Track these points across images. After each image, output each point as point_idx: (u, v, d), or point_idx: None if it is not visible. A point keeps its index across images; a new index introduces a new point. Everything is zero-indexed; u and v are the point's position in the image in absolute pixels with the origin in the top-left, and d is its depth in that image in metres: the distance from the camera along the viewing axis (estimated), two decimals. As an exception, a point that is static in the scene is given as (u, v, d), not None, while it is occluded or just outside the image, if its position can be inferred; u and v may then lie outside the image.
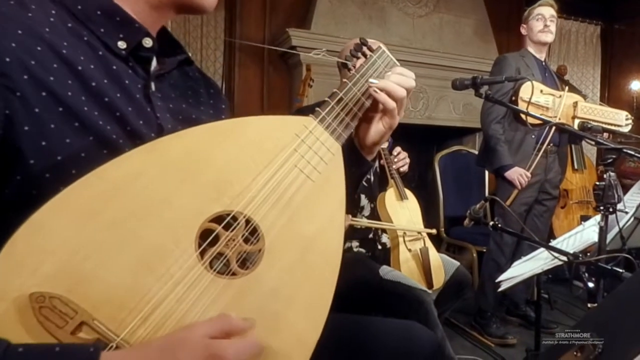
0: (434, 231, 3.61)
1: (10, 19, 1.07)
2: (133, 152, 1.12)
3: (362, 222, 3.56)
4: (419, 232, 3.67)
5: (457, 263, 3.74)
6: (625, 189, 3.23)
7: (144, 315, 1.01)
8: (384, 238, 3.69)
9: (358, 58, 1.64)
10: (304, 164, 1.33)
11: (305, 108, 3.99)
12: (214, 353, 0.95)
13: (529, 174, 4.67)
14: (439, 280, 3.56)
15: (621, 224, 2.76)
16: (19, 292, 0.93)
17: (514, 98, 4.55)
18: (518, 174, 4.64)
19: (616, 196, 2.69)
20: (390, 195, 3.72)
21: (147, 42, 1.30)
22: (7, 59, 1.02)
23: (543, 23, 4.83)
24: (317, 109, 1.44)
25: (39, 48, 1.08)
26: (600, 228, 2.70)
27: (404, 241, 3.60)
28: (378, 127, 1.58)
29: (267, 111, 5.92)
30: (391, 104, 1.51)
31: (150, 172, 1.11)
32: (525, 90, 4.30)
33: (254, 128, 1.31)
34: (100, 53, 1.21)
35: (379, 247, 3.67)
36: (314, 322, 1.25)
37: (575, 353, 1.81)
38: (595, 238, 2.76)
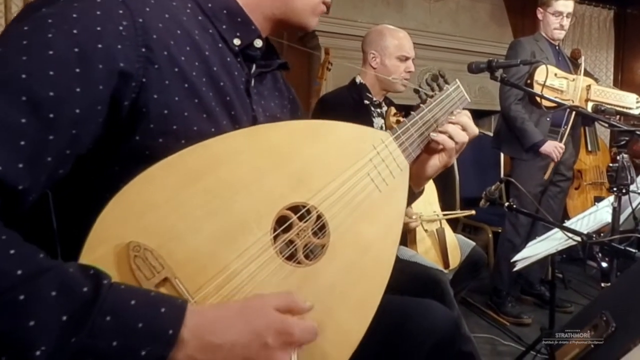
0: (472, 212, 3.60)
1: (160, 6, 1.22)
2: (236, 133, 1.24)
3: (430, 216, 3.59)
4: (435, 212, 3.67)
5: (473, 243, 3.74)
6: (638, 170, 3.21)
7: (219, 284, 1.08)
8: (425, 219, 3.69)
9: (432, 88, 1.76)
10: (376, 175, 1.43)
11: (330, 95, 3.97)
12: (284, 328, 1.03)
13: (562, 146, 4.66)
14: (455, 260, 3.56)
15: (634, 205, 2.76)
16: (120, 239, 1.01)
17: (529, 81, 4.53)
18: (553, 147, 4.62)
19: (629, 177, 2.68)
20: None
21: (258, 43, 1.46)
22: (154, 36, 1.16)
23: (559, 22, 4.80)
24: (395, 126, 1.54)
25: (178, 32, 1.23)
26: (614, 209, 2.69)
27: (421, 222, 3.59)
28: (434, 162, 1.71)
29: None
30: (450, 144, 1.65)
31: (248, 152, 1.21)
32: (540, 74, 4.28)
33: (339, 132, 1.42)
34: (220, 45, 1.36)
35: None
36: (361, 322, 1.31)
37: (589, 331, 1.80)
38: (609, 218, 2.75)
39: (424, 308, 1.80)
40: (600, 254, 2.67)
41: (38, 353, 0.83)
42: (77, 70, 1.02)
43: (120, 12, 1.12)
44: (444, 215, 3.68)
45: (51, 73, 0.99)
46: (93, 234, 0.99)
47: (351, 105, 3.66)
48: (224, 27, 1.39)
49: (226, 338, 0.97)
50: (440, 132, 1.66)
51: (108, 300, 0.90)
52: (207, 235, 1.09)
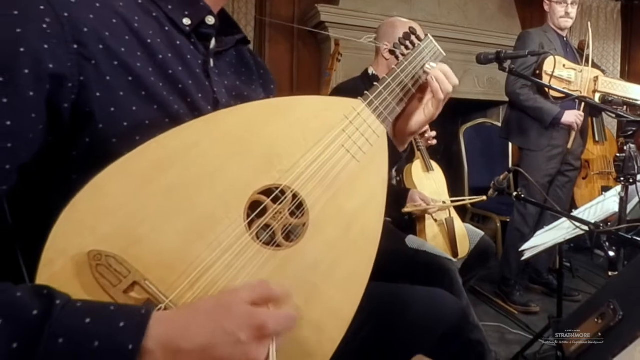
0: (484, 198, 3.59)
1: None
2: (191, 123, 1.17)
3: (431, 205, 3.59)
4: (444, 202, 3.67)
5: (482, 232, 3.74)
6: (645, 160, 3.20)
7: (193, 279, 1.05)
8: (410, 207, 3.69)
9: (406, 47, 1.70)
10: (351, 144, 1.37)
11: (343, 85, 3.98)
12: (257, 323, 0.97)
13: (582, 113, 4.65)
14: (463, 249, 3.57)
15: (641, 194, 2.75)
16: (78, 249, 0.97)
17: (537, 72, 4.52)
18: (574, 116, 4.62)
19: (636, 167, 2.68)
20: (416, 166, 3.73)
21: (210, 20, 1.36)
22: (85, 29, 1.07)
23: (564, 10, 4.79)
24: (366, 92, 1.49)
25: (113, 20, 1.14)
26: (621, 198, 2.69)
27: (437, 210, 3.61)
28: (419, 117, 1.67)
29: (297, 85, 5.92)
30: (441, 94, 1.62)
31: (207, 142, 1.15)
32: (548, 64, 4.27)
33: (305, 107, 1.36)
34: (167, 28, 1.27)
35: (405, 216, 3.67)
36: (351, 296, 1.28)
37: (596, 320, 1.81)
38: (616, 208, 2.75)
39: (433, 297, 1.81)
40: (607, 243, 2.67)
41: None
42: (0, 79, 0.96)
43: (42, 7, 1.04)
44: (456, 201, 3.69)
45: None
46: (48, 248, 0.95)
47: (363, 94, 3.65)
48: (170, 7, 1.30)
49: (196, 342, 0.93)
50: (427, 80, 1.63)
51: (60, 322, 0.86)
52: (173, 234, 1.06)
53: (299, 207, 1.24)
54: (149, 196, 1.05)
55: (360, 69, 3.94)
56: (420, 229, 3.58)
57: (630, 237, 2.47)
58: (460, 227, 3.67)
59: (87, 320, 0.88)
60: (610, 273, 2.65)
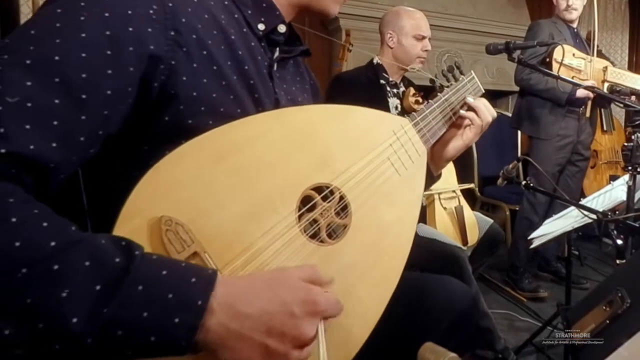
0: (472, 185, 3.58)
1: None
2: (262, 115, 1.27)
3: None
4: (454, 191, 3.67)
5: (491, 220, 3.74)
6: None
7: (246, 260, 1.10)
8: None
9: (448, 79, 1.83)
10: (395, 159, 1.46)
11: (347, 74, 3.97)
12: (310, 297, 1.04)
13: (593, 81, 4.59)
14: (473, 237, 3.57)
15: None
16: (154, 212, 1.02)
17: (547, 60, 4.51)
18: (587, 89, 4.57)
19: (644, 156, 2.67)
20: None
21: (282, 28, 1.47)
22: (183, 20, 1.17)
23: (566, 2, 4.78)
24: (414, 113, 1.59)
25: (206, 16, 1.25)
26: (629, 187, 2.69)
27: (440, 200, 3.60)
28: (457, 143, 1.79)
29: (308, 75, 5.91)
30: (478, 120, 1.75)
31: (274, 133, 1.23)
32: (558, 53, 4.26)
33: (361, 117, 1.46)
34: (245, 30, 1.38)
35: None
36: (379, 300, 1.33)
37: (604, 307, 1.81)
38: (624, 197, 2.75)
39: (443, 284, 1.81)
40: (615, 232, 2.67)
41: (75, 320, 0.83)
42: (109, 52, 1.04)
43: None
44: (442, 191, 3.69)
45: (83, 55, 1.00)
46: (128, 206, 1.00)
47: (366, 84, 3.67)
48: (249, 12, 1.40)
49: (254, 307, 0.98)
50: (469, 109, 1.75)
51: (140, 271, 0.90)
52: (234, 213, 1.10)
53: (344, 209, 1.31)
54: (219, 173, 1.11)
55: (370, 59, 3.93)
56: (430, 217, 3.58)
57: (638, 225, 2.46)
58: (470, 216, 3.66)
59: (164, 272, 0.93)
60: (618, 261, 2.65)
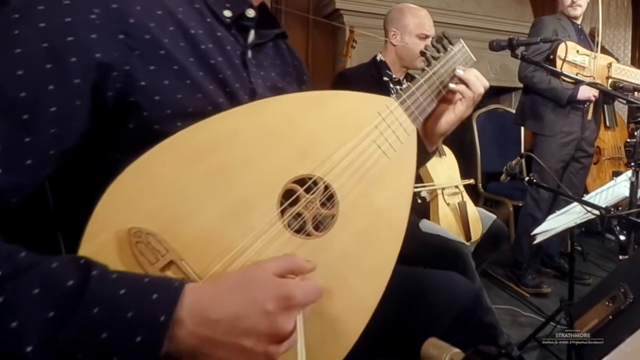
0: (471, 181, 3.58)
1: None
2: (233, 111, 1.19)
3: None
4: (457, 187, 3.67)
5: (494, 216, 3.74)
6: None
7: (226, 262, 1.06)
8: (424, 192, 3.69)
9: (438, 50, 1.72)
10: (382, 141, 1.39)
11: (349, 71, 3.97)
12: (284, 292, 0.99)
13: (593, 77, 4.58)
14: (476, 233, 3.57)
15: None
16: (121, 225, 0.99)
17: (551, 57, 4.52)
18: (589, 89, 4.59)
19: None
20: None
21: (250, 13, 1.38)
22: (132, 20, 1.09)
23: None
24: (399, 91, 1.52)
25: (159, 12, 1.16)
26: (632, 183, 2.69)
27: (443, 195, 3.61)
28: (449, 117, 1.69)
29: (312, 71, 5.90)
30: (469, 93, 1.65)
31: (248, 130, 1.18)
32: (561, 49, 4.27)
33: (341, 102, 1.38)
34: (208, 20, 1.29)
35: (419, 201, 3.68)
36: (375, 287, 1.30)
37: (607, 303, 1.80)
38: (627, 193, 2.75)
39: (446, 280, 1.81)
40: (618, 227, 2.67)
41: (29, 350, 0.82)
42: (48, 66, 0.98)
43: None
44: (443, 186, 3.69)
45: (20, 72, 0.95)
46: (92, 222, 0.98)
47: (369, 81, 3.66)
48: None
49: (225, 311, 0.95)
50: (459, 82, 1.67)
51: (96, 292, 0.88)
52: (211, 216, 1.07)
53: (329, 199, 1.26)
54: (192, 177, 1.07)
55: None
56: (433, 213, 3.58)
57: (640, 221, 2.46)
58: (473, 211, 3.67)
59: (122, 291, 0.90)
60: (621, 257, 2.65)
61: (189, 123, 1.11)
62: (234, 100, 1.27)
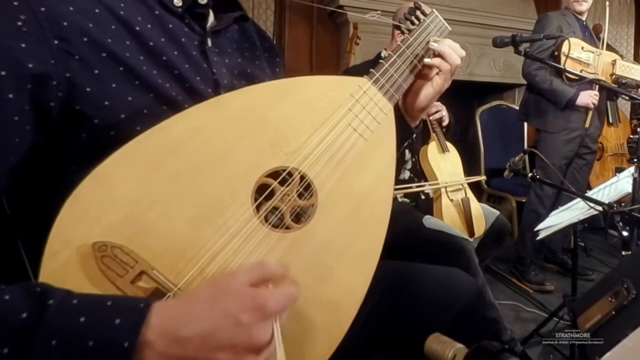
0: (484, 177, 3.57)
1: None
2: (194, 109, 1.13)
3: (425, 188, 3.59)
4: (460, 183, 3.68)
5: (497, 212, 3.74)
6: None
7: (202, 265, 1.03)
8: (427, 189, 3.69)
9: (412, 22, 1.64)
10: (358, 123, 1.34)
11: (354, 68, 3.98)
12: (257, 303, 0.94)
13: (597, 93, 4.61)
14: (479, 229, 3.57)
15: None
16: (83, 241, 0.94)
17: (556, 53, 4.51)
18: (588, 96, 4.58)
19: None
20: (432, 148, 3.73)
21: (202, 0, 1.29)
22: (65, 23, 1.02)
23: None
24: (372, 70, 1.44)
25: (96, 10, 1.08)
26: (634, 179, 2.70)
27: (446, 191, 3.60)
28: (428, 91, 1.60)
29: (316, 68, 5.90)
30: (446, 65, 1.55)
31: (211, 127, 1.12)
32: (566, 46, 4.26)
33: (310, 87, 1.32)
34: (157, 12, 1.21)
35: (422, 197, 3.68)
36: (363, 274, 1.26)
37: (610, 298, 1.81)
38: (629, 189, 2.75)
39: (450, 276, 1.80)
40: (621, 223, 2.67)
41: None
42: None
43: (15, 4, 0.98)
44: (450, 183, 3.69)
45: None
46: (51, 240, 0.93)
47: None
48: None
49: (196, 328, 0.90)
50: (435, 56, 1.58)
51: (53, 323, 0.83)
52: (180, 221, 1.03)
53: (307, 189, 1.22)
54: (155, 183, 1.03)
55: (377, 52, 3.93)
56: (437, 209, 3.59)
57: (643, 217, 2.46)
58: (477, 207, 3.67)
59: (82, 319, 0.86)
60: (623, 252, 2.66)
61: (148, 125, 1.06)
62: (195, 95, 1.21)
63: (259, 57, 1.54)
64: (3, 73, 0.94)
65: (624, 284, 1.74)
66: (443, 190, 3.60)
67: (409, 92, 1.61)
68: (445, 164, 3.72)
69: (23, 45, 0.96)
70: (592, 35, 4.95)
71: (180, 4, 1.25)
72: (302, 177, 1.21)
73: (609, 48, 4.77)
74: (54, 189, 1.00)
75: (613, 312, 1.75)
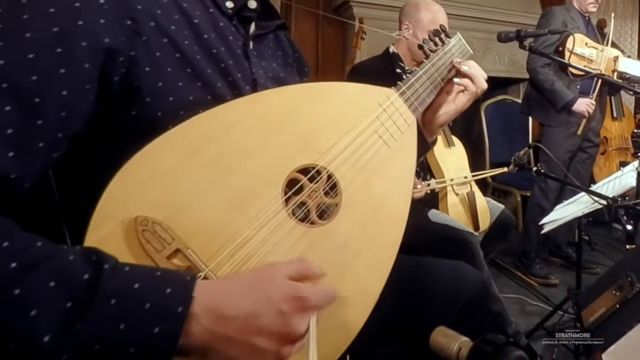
0: (505, 170, 3.57)
1: None
2: (237, 101, 1.20)
3: (441, 183, 3.58)
4: (465, 177, 3.68)
5: (502, 206, 3.75)
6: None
7: (232, 251, 1.06)
8: (433, 183, 3.69)
9: (435, 43, 1.73)
10: (383, 131, 1.40)
11: (364, 65, 3.96)
12: (299, 294, 0.99)
13: (594, 102, 4.64)
14: (484, 222, 3.57)
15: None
16: (126, 214, 0.99)
17: (560, 49, 4.52)
18: (585, 104, 4.60)
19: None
20: (438, 142, 3.72)
21: (252, 4, 1.38)
22: (139, 7, 1.10)
23: None
24: (399, 82, 1.52)
25: (164, 0, 1.17)
26: (638, 173, 2.69)
27: (452, 186, 3.60)
28: (449, 108, 1.69)
29: (322, 63, 5.90)
30: (473, 88, 1.66)
31: (250, 120, 1.18)
32: (570, 41, 4.27)
33: (343, 93, 1.40)
34: (211, 10, 1.29)
35: (428, 191, 3.68)
36: (379, 275, 1.30)
37: (614, 291, 1.80)
38: (634, 183, 2.75)
39: (455, 269, 1.81)
40: (625, 217, 2.67)
41: (46, 339, 0.81)
42: (59, 50, 0.97)
43: None
44: (478, 174, 3.69)
45: (31, 56, 0.94)
46: (98, 212, 0.97)
47: (383, 74, 3.65)
48: None
49: (240, 309, 0.94)
50: (464, 76, 1.67)
51: (110, 285, 0.87)
52: (215, 205, 1.08)
53: (332, 188, 1.27)
54: (194, 167, 1.07)
55: (383, 47, 3.92)
56: (442, 203, 3.59)
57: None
58: (482, 201, 3.67)
59: (136, 285, 0.89)
60: (628, 246, 2.66)
61: (191, 112, 1.12)
62: (236, 90, 1.27)
63: (290, 65, 1.61)
64: (84, 44, 1.00)
65: (628, 277, 1.74)
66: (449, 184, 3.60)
67: (429, 108, 1.67)
68: (450, 158, 3.72)
69: (102, 21, 1.03)
70: (595, 30, 4.96)
71: (232, 6, 1.33)
72: (329, 177, 1.27)
73: (612, 44, 4.77)
74: (96, 166, 1.06)
75: (617, 305, 1.75)
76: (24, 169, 0.93)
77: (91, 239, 0.96)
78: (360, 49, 5.10)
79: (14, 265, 0.82)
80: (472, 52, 1.81)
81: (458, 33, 1.81)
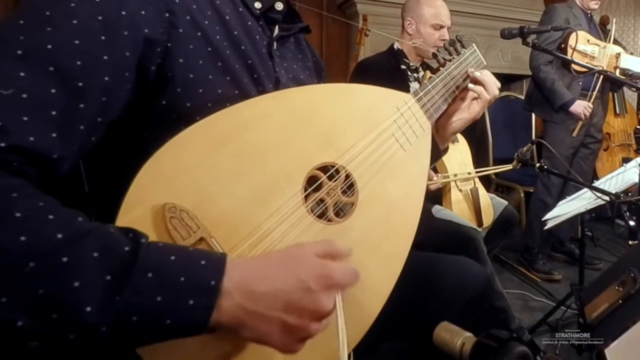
0: (509, 167, 3.57)
1: None
2: (263, 97, 1.25)
3: (451, 178, 3.58)
4: (469, 173, 3.67)
5: (505, 202, 3.74)
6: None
7: (253, 243, 1.09)
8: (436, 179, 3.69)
9: (450, 53, 1.79)
10: (400, 135, 1.45)
11: (370, 61, 3.96)
12: (325, 271, 1.03)
13: (591, 105, 4.65)
14: (488, 218, 3.57)
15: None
16: (156, 200, 1.01)
17: (562, 46, 4.53)
18: (582, 107, 4.62)
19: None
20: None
21: (279, 6, 1.45)
22: (177, 1, 1.16)
23: None
24: (416, 89, 1.57)
25: None
26: (641, 169, 2.68)
27: (455, 182, 3.60)
28: (462, 116, 1.76)
29: (326, 59, 5.88)
30: (486, 95, 1.72)
31: (275, 115, 1.21)
32: (572, 38, 4.26)
33: (364, 95, 1.44)
34: (240, 10, 1.36)
35: (440, 185, 3.68)
36: (390, 275, 1.33)
37: (617, 287, 1.81)
38: (636, 179, 2.75)
39: (459, 265, 1.82)
40: (628, 213, 2.67)
41: (88, 309, 0.82)
42: (103, 38, 1.02)
43: None
44: (483, 170, 3.69)
45: (77, 42, 0.98)
46: (129, 196, 1.00)
47: (388, 70, 3.67)
48: None
49: (270, 286, 0.97)
50: (476, 83, 1.72)
51: (148, 258, 0.90)
52: (239, 196, 1.10)
53: (350, 187, 1.30)
54: (221, 159, 1.10)
55: (387, 44, 3.93)
56: (446, 199, 3.58)
57: (650, 207, 2.46)
58: (485, 197, 3.67)
59: (172, 257, 0.92)
60: (630, 242, 2.66)
61: (218, 105, 1.16)
62: (260, 87, 1.31)
63: (309, 68, 1.66)
64: (125, 33, 1.05)
65: (631, 273, 1.75)
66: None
67: (443, 115, 1.72)
68: (454, 154, 3.71)
69: (143, 12, 1.09)
70: (597, 27, 4.95)
71: (260, 6, 1.40)
72: (347, 176, 1.30)
73: (614, 41, 4.77)
74: (125, 154, 1.12)
75: (620, 301, 1.75)
76: (66, 150, 0.96)
77: (121, 221, 0.98)
78: (363, 45, 5.10)
79: (60, 235, 0.84)
80: (486, 64, 1.86)
81: (473, 44, 1.87)
